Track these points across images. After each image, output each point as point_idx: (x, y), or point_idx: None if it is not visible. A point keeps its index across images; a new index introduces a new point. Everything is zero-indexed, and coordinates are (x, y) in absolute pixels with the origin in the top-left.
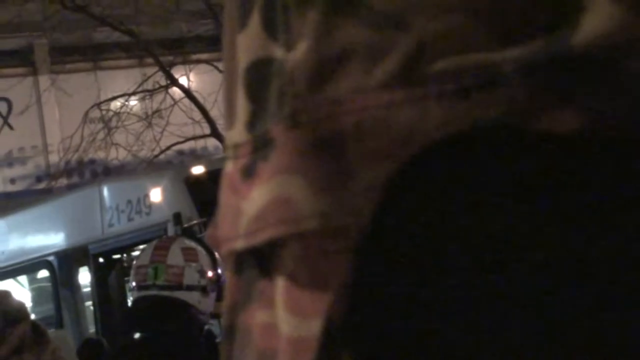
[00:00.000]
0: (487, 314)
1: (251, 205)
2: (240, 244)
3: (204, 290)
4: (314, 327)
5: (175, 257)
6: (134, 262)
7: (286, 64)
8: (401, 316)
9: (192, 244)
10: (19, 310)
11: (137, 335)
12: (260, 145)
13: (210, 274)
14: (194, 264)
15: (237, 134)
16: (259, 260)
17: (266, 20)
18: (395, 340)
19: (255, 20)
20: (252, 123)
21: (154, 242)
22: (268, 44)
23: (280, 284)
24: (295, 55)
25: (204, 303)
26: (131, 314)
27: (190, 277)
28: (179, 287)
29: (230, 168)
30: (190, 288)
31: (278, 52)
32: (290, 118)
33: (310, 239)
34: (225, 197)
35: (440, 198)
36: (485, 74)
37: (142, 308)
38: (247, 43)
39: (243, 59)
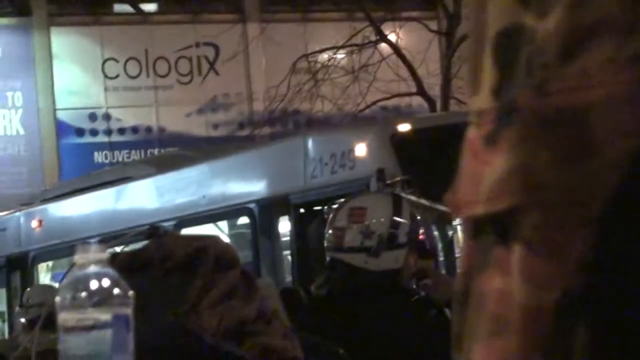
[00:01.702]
0: None
1: (493, 172)
2: (479, 210)
3: (368, 251)
4: (551, 296)
5: (341, 218)
6: None
7: (537, 33)
8: None
9: (363, 202)
10: (232, 257)
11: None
12: (505, 113)
13: (381, 232)
14: (356, 225)
15: (481, 100)
16: (497, 227)
17: None
18: (636, 313)
19: None
20: (498, 90)
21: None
22: (520, 11)
23: (517, 252)
24: (546, 24)
25: (374, 263)
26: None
27: (352, 239)
28: (340, 249)
29: (472, 134)
30: (351, 250)
31: (529, 20)
32: (538, 87)
33: (551, 208)
34: (466, 162)
35: None
36: None
37: (327, 267)
38: (498, 9)
39: (493, 26)
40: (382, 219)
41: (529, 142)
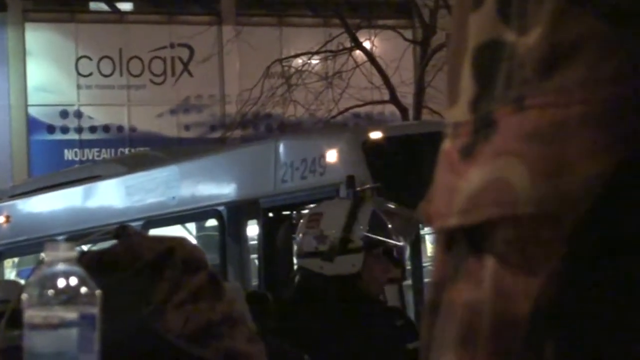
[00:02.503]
0: None
1: (468, 184)
2: (453, 222)
3: (323, 255)
4: (521, 311)
5: (302, 225)
6: None
7: (517, 49)
8: (611, 310)
9: (322, 208)
10: (199, 259)
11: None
12: (482, 126)
13: (334, 237)
14: (311, 231)
15: (459, 112)
16: (470, 240)
17: (501, 3)
18: (604, 334)
19: (489, 3)
20: (476, 103)
21: None
22: (500, 27)
23: (489, 265)
24: (527, 40)
25: (329, 268)
26: None
27: (308, 244)
28: (300, 255)
29: (448, 146)
30: (308, 255)
31: (510, 36)
32: (516, 102)
33: (524, 223)
34: (441, 174)
35: None
36: None
37: (295, 272)
38: (479, 24)
39: (473, 39)
40: (335, 224)
41: (505, 156)
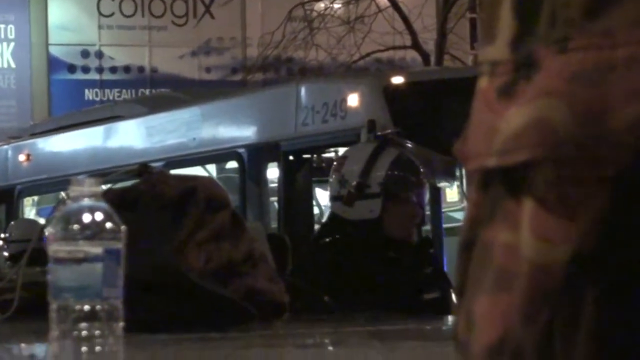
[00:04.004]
0: None
1: (508, 124)
2: (491, 162)
3: (343, 200)
4: (561, 255)
5: (332, 168)
6: None
7: None
8: None
9: (347, 152)
10: (222, 198)
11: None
12: (523, 66)
13: (353, 181)
14: (335, 175)
15: (497, 51)
16: (508, 180)
17: None
18: None
19: None
20: (516, 42)
21: None
22: None
23: (528, 207)
24: None
25: (350, 212)
26: None
27: (332, 188)
28: (329, 198)
29: (485, 84)
30: (332, 199)
31: None
32: (560, 43)
33: (566, 165)
34: (478, 113)
35: None
36: None
37: None
38: None
39: None
40: (355, 168)
41: (548, 97)
